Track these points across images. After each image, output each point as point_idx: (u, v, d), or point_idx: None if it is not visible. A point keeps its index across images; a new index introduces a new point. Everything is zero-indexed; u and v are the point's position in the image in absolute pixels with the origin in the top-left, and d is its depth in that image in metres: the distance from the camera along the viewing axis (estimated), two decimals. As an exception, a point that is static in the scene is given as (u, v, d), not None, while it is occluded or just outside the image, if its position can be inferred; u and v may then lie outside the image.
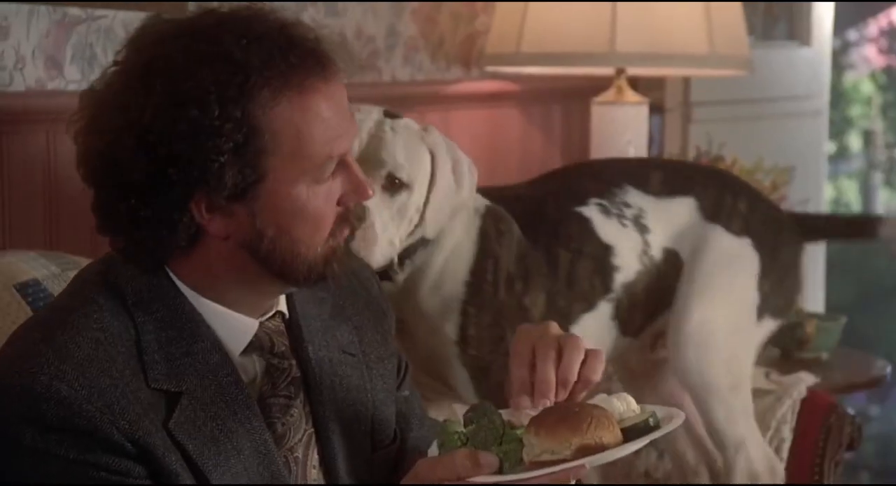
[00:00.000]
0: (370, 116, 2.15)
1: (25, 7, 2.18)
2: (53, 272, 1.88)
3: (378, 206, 2.09)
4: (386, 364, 1.83)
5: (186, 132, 1.54)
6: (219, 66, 1.56)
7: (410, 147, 2.15)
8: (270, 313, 1.70)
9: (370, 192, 1.65)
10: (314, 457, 1.71)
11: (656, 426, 1.56)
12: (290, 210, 1.61)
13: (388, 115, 2.18)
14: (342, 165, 1.64)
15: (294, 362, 1.71)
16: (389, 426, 1.81)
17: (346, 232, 1.66)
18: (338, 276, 1.68)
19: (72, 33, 2.26)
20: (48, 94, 2.21)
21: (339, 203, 1.65)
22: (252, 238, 1.61)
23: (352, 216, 1.67)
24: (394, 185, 2.11)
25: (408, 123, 2.19)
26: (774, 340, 3.08)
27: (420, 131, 2.19)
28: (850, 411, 2.57)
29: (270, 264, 1.63)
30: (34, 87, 2.20)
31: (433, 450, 1.58)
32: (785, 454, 2.53)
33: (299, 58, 1.59)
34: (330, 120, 1.61)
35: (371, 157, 2.09)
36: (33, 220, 2.18)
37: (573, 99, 3.33)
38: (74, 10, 2.25)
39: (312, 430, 1.72)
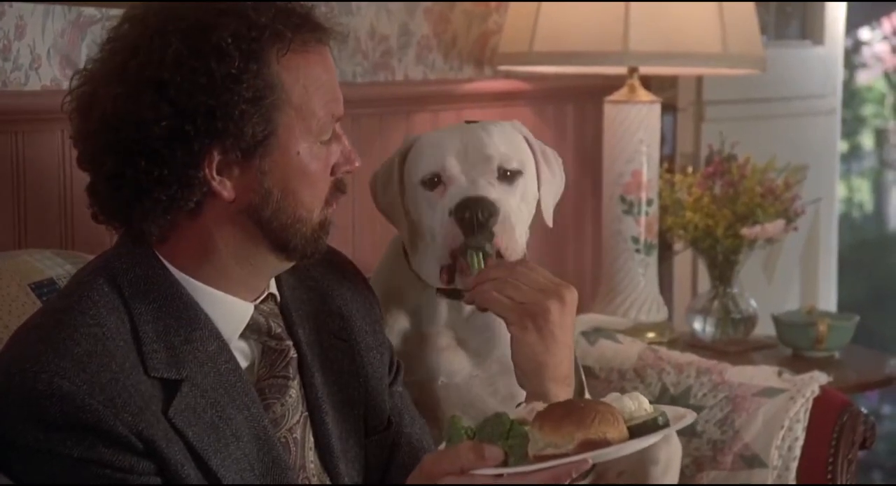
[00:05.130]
0: (460, 127, 2.14)
1: (41, 7, 2.19)
2: (68, 271, 1.89)
3: (502, 196, 2.06)
4: (376, 354, 1.86)
5: (207, 84, 1.58)
6: (234, 22, 1.60)
7: (509, 138, 2.12)
8: (263, 296, 1.73)
9: (357, 161, 1.71)
10: (310, 439, 1.74)
11: (665, 425, 1.56)
12: (296, 169, 1.65)
13: (472, 122, 2.17)
14: (335, 134, 1.70)
15: (290, 343, 1.74)
16: (383, 413, 1.84)
17: (337, 202, 1.71)
18: (323, 259, 1.72)
19: (87, 33, 2.27)
20: (63, 93, 2.20)
21: (331, 172, 1.70)
22: (258, 200, 1.64)
23: (343, 186, 1.72)
24: (507, 175, 2.08)
25: (497, 122, 2.17)
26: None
27: (511, 124, 2.17)
28: (864, 409, 2.57)
29: (270, 229, 1.65)
30: (49, 86, 2.21)
31: (442, 446, 1.59)
32: (798, 452, 2.52)
33: (300, 20, 1.65)
34: (328, 82, 1.68)
35: (478, 157, 2.07)
36: (48, 219, 2.19)
37: (586, 98, 3.33)
38: (90, 10, 2.26)
39: (307, 412, 1.74)
